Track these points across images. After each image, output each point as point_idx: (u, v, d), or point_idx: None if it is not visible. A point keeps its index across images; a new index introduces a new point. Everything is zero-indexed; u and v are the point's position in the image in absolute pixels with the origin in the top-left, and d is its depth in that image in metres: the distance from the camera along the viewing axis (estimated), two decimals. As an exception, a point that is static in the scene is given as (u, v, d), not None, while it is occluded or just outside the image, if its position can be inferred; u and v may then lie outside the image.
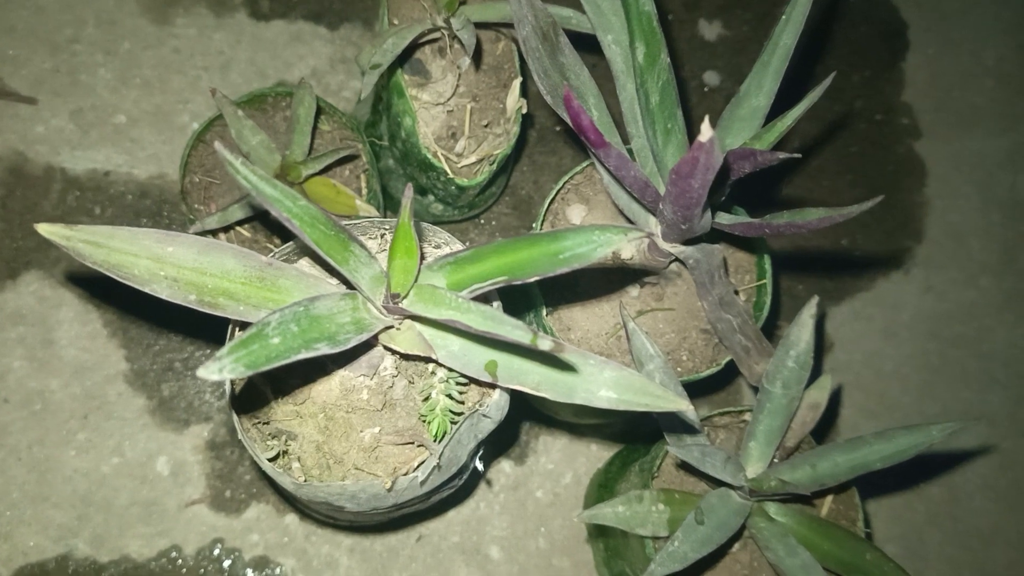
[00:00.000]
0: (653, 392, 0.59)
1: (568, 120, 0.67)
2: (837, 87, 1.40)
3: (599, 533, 1.05)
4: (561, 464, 1.15)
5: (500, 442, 1.14)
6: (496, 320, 0.56)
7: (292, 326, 0.55)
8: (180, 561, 1.04)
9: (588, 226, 0.57)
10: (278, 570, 1.05)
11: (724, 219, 0.75)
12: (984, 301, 1.33)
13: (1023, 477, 1.26)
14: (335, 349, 0.57)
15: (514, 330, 0.54)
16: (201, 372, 0.47)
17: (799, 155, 0.61)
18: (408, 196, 0.57)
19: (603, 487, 1.06)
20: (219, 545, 1.05)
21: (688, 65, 1.36)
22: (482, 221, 1.23)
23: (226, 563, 1.05)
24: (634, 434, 1.14)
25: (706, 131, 0.52)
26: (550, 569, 1.10)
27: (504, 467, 1.14)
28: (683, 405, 0.59)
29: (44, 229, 0.54)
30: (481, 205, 1.17)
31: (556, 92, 0.75)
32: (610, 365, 0.60)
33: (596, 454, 1.16)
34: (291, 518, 1.07)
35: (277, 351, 0.52)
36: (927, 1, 1.48)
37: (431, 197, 1.08)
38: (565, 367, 0.60)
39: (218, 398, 1.10)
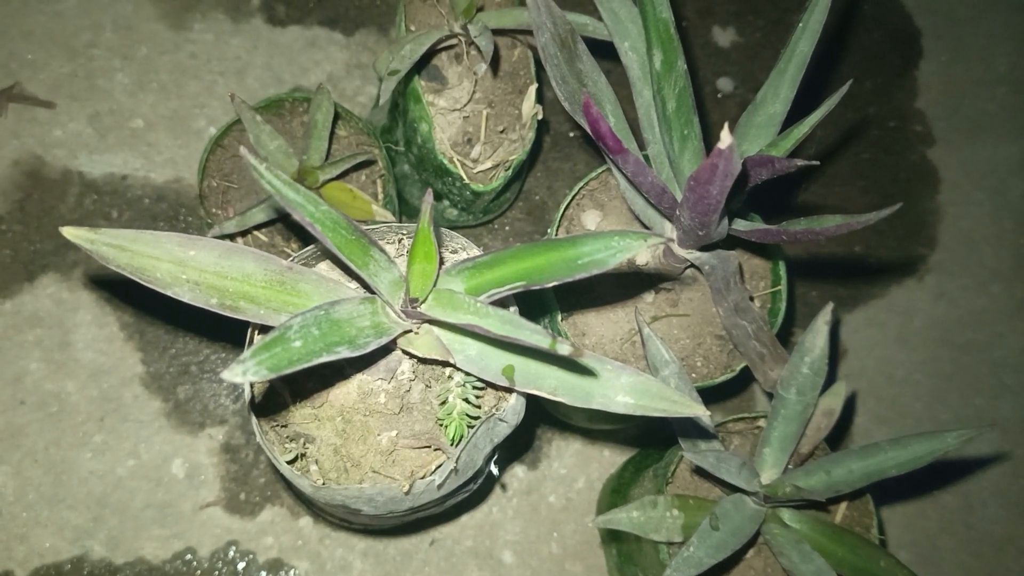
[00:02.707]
0: (670, 397, 0.60)
1: (586, 126, 0.67)
2: (850, 93, 1.38)
3: (612, 538, 1.06)
4: (574, 469, 1.15)
5: (514, 447, 1.14)
6: (515, 324, 0.56)
7: (313, 330, 0.55)
8: (195, 563, 1.05)
9: (607, 232, 0.58)
10: (292, 573, 1.06)
11: (741, 225, 0.75)
12: (996, 308, 1.33)
13: (1036, 485, 1.26)
14: (355, 353, 0.57)
15: (533, 334, 0.54)
16: (225, 375, 0.47)
17: (817, 163, 0.61)
18: (428, 201, 0.57)
19: (616, 492, 1.06)
20: (234, 547, 1.06)
21: (702, 71, 1.36)
22: (496, 226, 1.24)
23: (240, 565, 1.05)
24: (647, 440, 1.14)
25: (725, 138, 0.52)
26: (563, 574, 1.10)
27: (517, 472, 1.14)
28: (700, 410, 0.59)
29: (69, 232, 0.54)
30: (495, 210, 1.18)
31: (574, 98, 0.75)
32: (627, 370, 0.60)
33: (609, 459, 1.16)
34: (305, 521, 1.08)
35: (299, 354, 0.53)
36: (940, 8, 1.48)
37: (446, 202, 1.08)
38: (582, 372, 0.60)
39: (233, 401, 1.10)
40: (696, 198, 0.63)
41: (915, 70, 1.44)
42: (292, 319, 0.54)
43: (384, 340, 0.60)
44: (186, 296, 0.57)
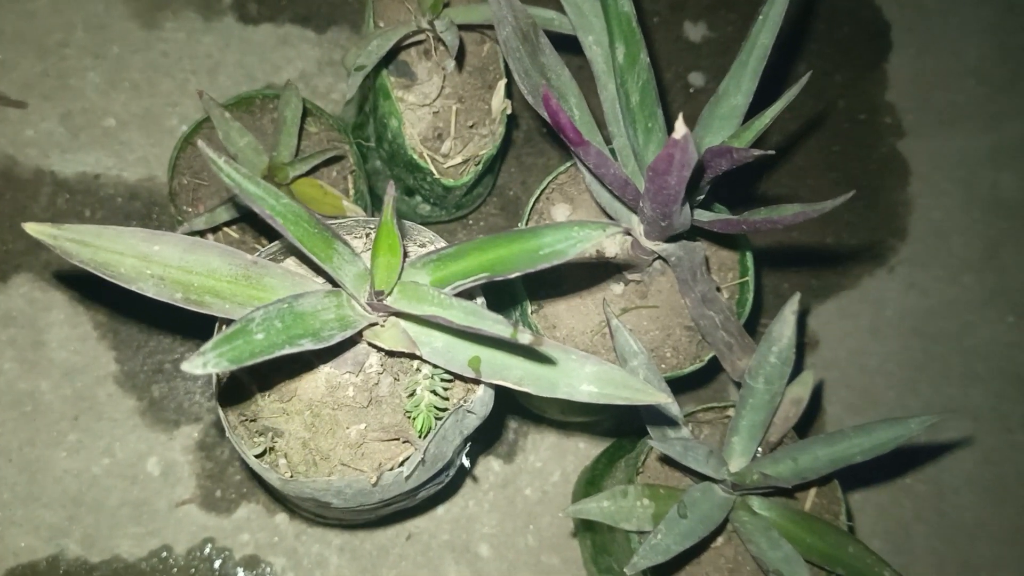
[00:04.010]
0: (633, 386, 0.60)
1: (548, 119, 0.68)
2: (821, 87, 1.41)
3: (586, 529, 1.06)
4: (550, 462, 1.16)
5: (488, 440, 1.15)
6: (477, 315, 0.57)
7: (276, 322, 0.55)
8: (171, 561, 1.05)
9: (567, 222, 0.58)
10: (268, 569, 1.06)
11: (703, 216, 0.76)
12: (966, 298, 1.35)
13: (1007, 472, 1.27)
14: (319, 345, 0.58)
15: (495, 324, 0.55)
16: (185, 366, 0.48)
17: (772, 152, 0.62)
18: (390, 194, 0.58)
19: (591, 484, 1.07)
20: (210, 544, 1.06)
21: (674, 66, 1.37)
22: (470, 222, 1.24)
23: (216, 562, 1.06)
24: (622, 432, 1.15)
25: (680, 128, 0.53)
26: (539, 566, 1.11)
27: (493, 465, 1.14)
28: (661, 398, 0.60)
29: (32, 228, 0.54)
30: (468, 205, 1.18)
31: (537, 92, 0.76)
32: (591, 360, 0.61)
33: (584, 452, 1.17)
34: (281, 517, 1.08)
35: (261, 347, 0.53)
36: (909, 1, 1.49)
37: (418, 198, 1.09)
38: (547, 362, 0.61)
39: (208, 399, 1.10)
40: (656, 189, 0.63)
41: (885, 63, 1.46)
42: (255, 312, 0.54)
43: (349, 333, 0.61)
44: (151, 291, 0.57)
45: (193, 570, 1.05)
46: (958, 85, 1.46)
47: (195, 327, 1.10)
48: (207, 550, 1.06)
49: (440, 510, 1.11)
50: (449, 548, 1.10)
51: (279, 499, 1.03)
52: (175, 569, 1.05)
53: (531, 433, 1.17)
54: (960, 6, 1.50)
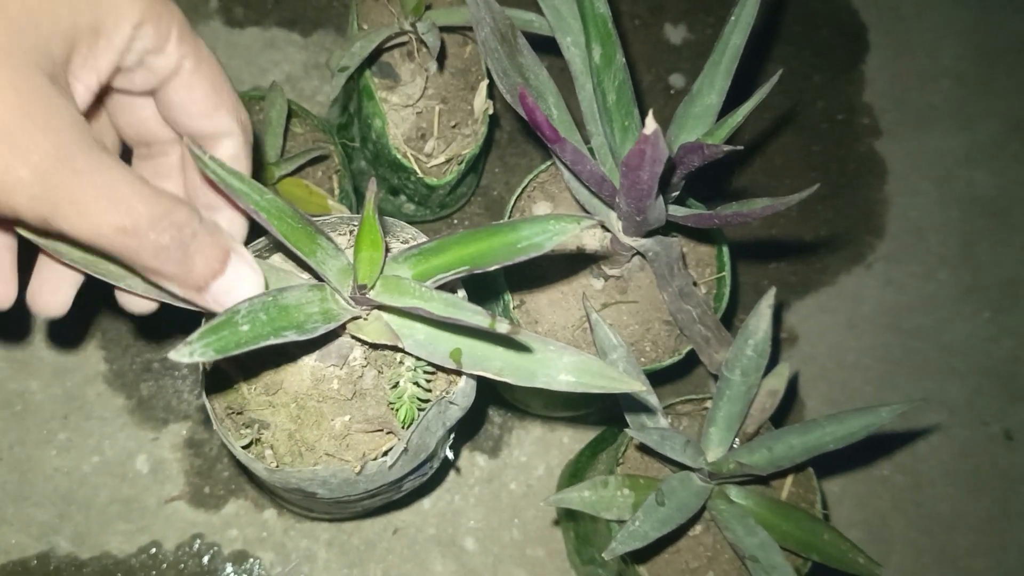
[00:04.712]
0: (610, 375, 0.62)
1: (526, 117, 0.69)
2: (799, 88, 1.44)
3: (569, 521, 1.08)
4: (534, 457, 1.18)
5: (472, 433, 1.17)
6: (458, 307, 0.59)
7: (261, 315, 0.57)
8: (160, 556, 1.06)
9: (544, 216, 0.60)
10: (257, 564, 1.07)
11: (678, 212, 0.78)
12: (943, 294, 1.37)
13: (982, 463, 1.29)
14: (303, 337, 0.59)
15: (474, 315, 0.57)
16: (172, 355, 0.49)
17: (741, 148, 0.64)
18: (372, 190, 0.59)
19: (574, 477, 1.09)
20: (198, 540, 1.07)
21: (654, 68, 1.40)
22: (455, 221, 1.26)
23: (205, 558, 1.07)
24: (606, 425, 1.16)
25: (650, 124, 0.55)
26: (524, 559, 1.13)
27: (478, 460, 1.16)
28: (637, 386, 0.62)
29: (24, 230, 0.56)
30: (452, 205, 1.20)
31: (515, 91, 0.78)
32: (569, 350, 0.62)
33: (568, 447, 1.18)
34: (270, 513, 1.09)
35: (246, 337, 0.55)
36: (886, 4, 1.52)
37: (403, 197, 1.10)
38: (526, 352, 0.63)
39: (196, 397, 1.12)
40: (629, 184, 0.65)
41: (862, 64, 1.48)
42: (240, 304, 0.56)
43: (332, 325, 0.62)
44: (139, 288, 0.58)
45: (182, 565, 1.06)
46: (934, 86, 1.49)
47: (183, 327, 1.11)
48: (196, 546, 1.07)
49: (426, 505, 1.13)
50: (435, 542, 1.12)
51: (267, 494, 1.04)
52: (164, 565, 1.06)
53: (516, 429, 1.18)
54: (934, 8, 1.53)
